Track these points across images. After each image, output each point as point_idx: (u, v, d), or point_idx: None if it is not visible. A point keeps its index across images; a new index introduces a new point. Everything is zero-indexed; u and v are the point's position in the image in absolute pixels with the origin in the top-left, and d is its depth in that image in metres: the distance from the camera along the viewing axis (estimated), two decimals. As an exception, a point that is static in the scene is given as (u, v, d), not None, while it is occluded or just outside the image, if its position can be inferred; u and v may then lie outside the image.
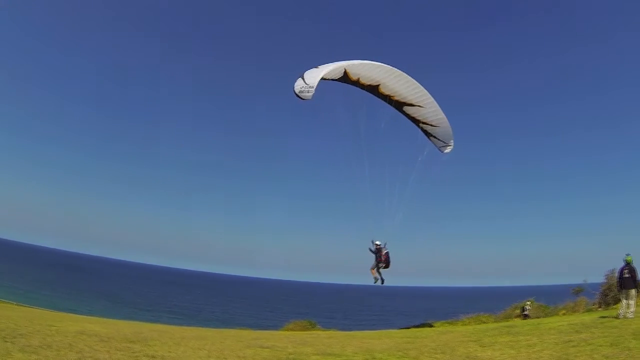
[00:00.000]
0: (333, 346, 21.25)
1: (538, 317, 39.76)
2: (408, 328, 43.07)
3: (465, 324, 39.97)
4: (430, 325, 42.63)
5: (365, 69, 21.41)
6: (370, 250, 24.16)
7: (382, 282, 24.94)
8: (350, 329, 49.64)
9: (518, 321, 38.27)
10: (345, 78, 21.42)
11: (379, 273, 24.48)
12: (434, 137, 24.43)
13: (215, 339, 23.67)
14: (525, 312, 42.75)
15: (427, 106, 22.88)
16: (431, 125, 23.67)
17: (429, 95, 22.43)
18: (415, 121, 23.70)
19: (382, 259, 23.93)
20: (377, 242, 24.09)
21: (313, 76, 19.25)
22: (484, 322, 39.57)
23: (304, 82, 18.99)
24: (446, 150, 24.81)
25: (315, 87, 19.00)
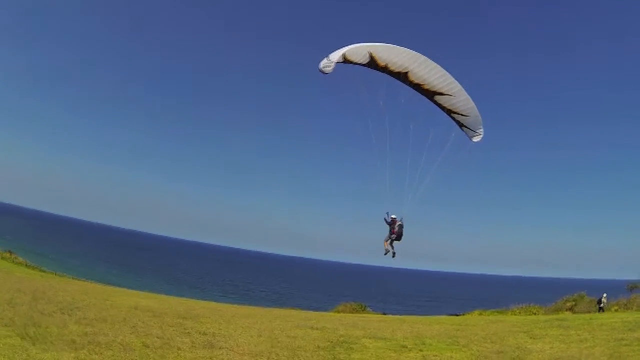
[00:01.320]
0: (383, 330, 21.21)
1: (589, 312, 39.19)
2: (457, 315, 43.13)
3: (515, 314, 39.62)
4: (480, 314, 42.53)
5: (392, 54, 21.42)
6: (385, 220, 23.88)
7: (394, 256, 24.27)
8: (400, 314, 49.96)
9: (569, 315, 37.83)
10: (372, 64, 21.62)
11: (392, 246, 24.04)
12: (466, 127, 24.13)
13: (265, 318, 23.91)
14: (601, 305, 41.80)
15: (457, 95, 22.56)
16: (462, 114, 23.38)
17: (457, 83, 22.31)
18: (447, 111, 23.32)
19: (394, 231, 23.56)
20: (393, 215, 23.91)
21: (335, 53, 20.24)
22: (534, 314, 39.08)
23: (328, 59, 20.24)
24: (476, 139, 24.61)
25: (335, 61, 19.98)
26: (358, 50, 20.92)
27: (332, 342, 16.87)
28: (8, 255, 77.68)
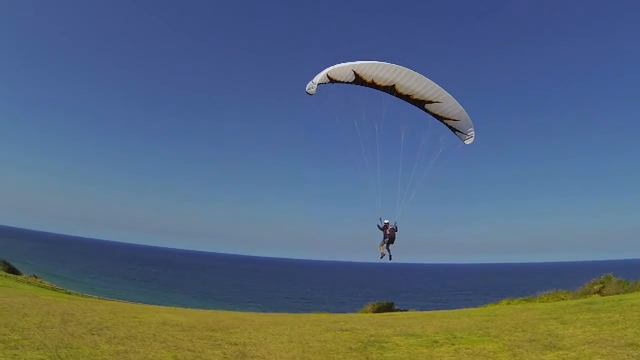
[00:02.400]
0: (413, 327, 20.98)
1: (618, 294, 38.66)
2: (485, 306, 42.88)
3: (543, 301, 39.07)
4: (508, 303, 42.17)
5: (378, 70, 22.68)
6: (378, 226, 25.57)
7: (390, 259, 26.15)
8: (428, 309, 49.79)
9: (598, 297, 37.29)
10: (358, 80, 23.00)
11: (388, 250, 25.89)
12: (458, 131, 25.39)
13: (294, 324, 23.80)
14: None
15: (445, 101, 23.80)
16: (453, 119, 24.66)
17: (444, 90, 23.35)
18: (439, 118, 24.69)
19: (387, 235, 25.34)
20: (386, 221, 25.67)
21: (318, 75, 22.35)
22: (562, 299, 38.47)
23: (312, 81, 22.30)
24: (468, 142, 25.85)
25: (317, 82, 21.92)
26: (341, 70, 22.58)
27: (363, 342, 16.80)
28: (33, 279, 78.70)
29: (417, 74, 23.05)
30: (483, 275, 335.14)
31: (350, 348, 15.79)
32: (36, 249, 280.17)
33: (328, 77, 22.67)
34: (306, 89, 22.74)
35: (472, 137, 25.65)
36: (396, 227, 25.63)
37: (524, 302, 41.11)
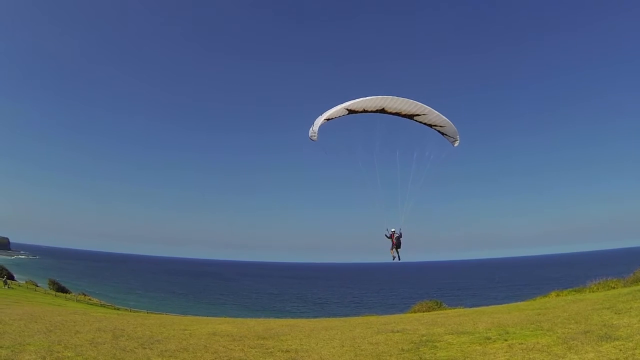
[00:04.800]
0: (464, 324, 20.90)
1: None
2: (535, 299, 42.20)
3: (594, 291, 38.11)
4: (558, 295, 41.36)
5: (366, 102, 26.47)
6: (386, 235, 29.14)
7: (399, 259, 29.05)
8: (476, 305, 49.30)
9: (650, 284, 36.41)
10: (351, 113, 26.81)
11: (397, 253, 29.00)
12: (446, 134, 29.39)
13: (344, 328, 23.83)
14: None
15: (430, 113, 27.81)
16: (440, 126, 28.82)
17: (427, 106, 27.54)
18: (428, 125, 28.74)
19: (394, 242, 28.84)
20: (392, 230, 29.18)
21: (317, 122, 25.97)
22: (614, 288, 37.44)
23: (312, 128, 25.97)
24: (456, 144, 29.82)
25: (317, 131, 25.86)
26: (336, 112, 26.34)
27: (415, 343, 16.76)
28: (82, 297, 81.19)
29: (401, 98, 27.00)
30: (525, 268, 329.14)
31: (403, 349, 15.74)
32: (84, 267, 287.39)
33: (326, 120, 26.33)
34: (309, 136, 26.26)
35: (458, 140, 29.73)
36: (400, 234, 29.10)
37: (574, 292, 40.17)
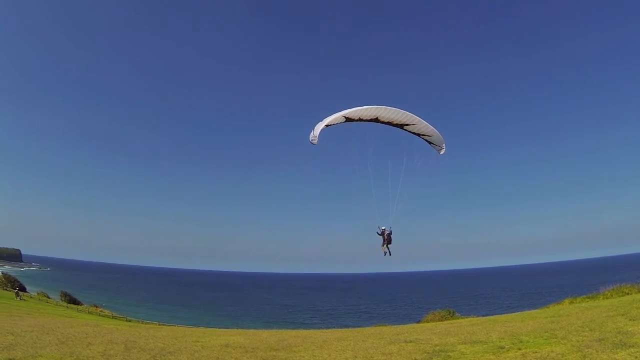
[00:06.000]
0: (477, 333, 20.79)
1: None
2: (548, 307, 41.91)
3: (608, 297, 37.80)
4: (571, 302, 41.02)
5: (362, 111, 28.57)
6: (377, 233, 30.62)
7: (390, 254, 30.33)
8: (489, 314, 48.93)
9: (666, 289, 36.05)
10: (348, 121, 28.93)
11: (388, 249, 30.33)
12: (432, 143, 31.47)
13: (357, 339, 23.78)
14: None
15: (419, 122, 29.95)
16: (427, 135, 30.88)
17: (416, 116, 29.72)
18: (416, 135, 30.86)
19: (385, 239, 30.24)
20: (383, 227, 30.65)
21: (317, 127, 27.93)
22: (628, 294, 37.09)
23: (313, 132, 27.80)
24: (442, 152, 31.84)
25: (318, 135, 27.79)
26: (335, 119, 28.43)
27: (428, 352, 16.64)
28: (94, 308, 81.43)
29: (393, 108, 29.11)
30: (537, 276, 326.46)
31: (416, 359, 15.74)
32: (95, 279, 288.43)
33: (326, 126, 28.24)
34: (310, 140, 28.02)
35: (444, 148, 31.76)
36: (391, 231, 30.66)
37: (588, 299, 39.87)
